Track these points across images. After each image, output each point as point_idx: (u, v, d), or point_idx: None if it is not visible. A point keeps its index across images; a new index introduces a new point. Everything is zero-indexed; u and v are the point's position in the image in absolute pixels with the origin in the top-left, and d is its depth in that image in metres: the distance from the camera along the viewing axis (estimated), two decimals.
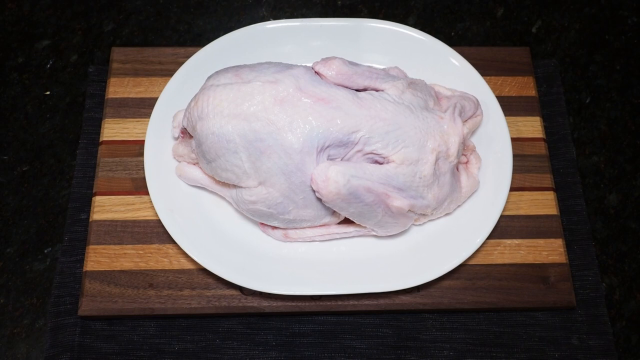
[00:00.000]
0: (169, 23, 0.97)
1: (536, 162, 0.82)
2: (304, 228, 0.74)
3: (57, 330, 0.74)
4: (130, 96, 0.85)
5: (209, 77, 0.73)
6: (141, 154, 0.80)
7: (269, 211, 0.71)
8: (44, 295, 0.78)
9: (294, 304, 0.74)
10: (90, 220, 0.77)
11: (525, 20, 0.98)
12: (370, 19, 0.84)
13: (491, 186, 0.77)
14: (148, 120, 0.81)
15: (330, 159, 0.69)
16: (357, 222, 0.72)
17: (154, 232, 0.77)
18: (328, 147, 0.68)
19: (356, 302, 0.74)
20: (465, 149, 0.76)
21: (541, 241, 0.78)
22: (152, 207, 0.77)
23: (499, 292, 0.75)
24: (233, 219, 0.76)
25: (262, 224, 0.75)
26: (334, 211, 0.72)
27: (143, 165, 0.78)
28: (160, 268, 0.75)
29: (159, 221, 0.76)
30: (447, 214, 0.76)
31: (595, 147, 0.89)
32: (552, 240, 0.78)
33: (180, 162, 0.77)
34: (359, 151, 0.69)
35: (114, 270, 0.75)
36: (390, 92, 0.72)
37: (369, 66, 0.75)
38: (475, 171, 0.77)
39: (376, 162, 0.70)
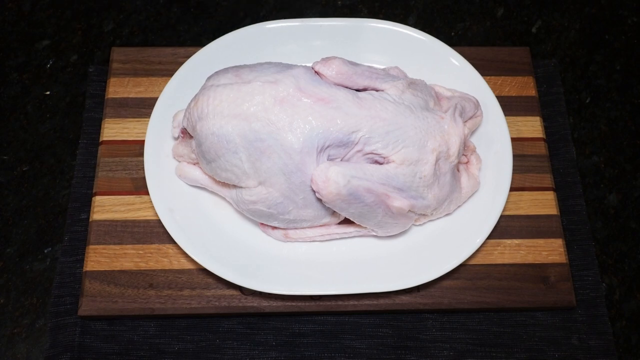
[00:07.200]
0: (169, 23, 0.97)
1: (536, 162, 0.82)
2: (304, 228, 0.74)
3: (57, 330, 0.74)
4: (130, 96, 0.85)
5: (209, 77, 0.73)
6: (141, 154, 0.80)
7: (269, 211, 0.71)
8: (44, 295, 0.78)
9: (294, 304, 0.74)
10: (90, 220, 0.77)
11: (525, 20, 0.98)
12: (370, 19, 0.84)
13: (491, 186, 0.77)
14: (148, 120, 0.81)
15: (330, 159, 0.69)
16: (357, 223, 0.72)
17: (154, 232, 0.77)
18: (328, 147, 0.68)
19: (356, 302, 0.74)
20: (465, 149, 0.76)
21: (541, 241, 0.78)
22: (152, 207, 0.77)
23: (499, 292, 0.75)
24: (233, 219, 0.76)
25: (262, 224, 0.75)
26: (334, 211, 0.72)
27: (143, 165, 0.78)
28: (160, 268, 0.75)
29: (159, 221, 0.76)
30: (447, 214, 0.76)
31: (595, 147, 0.89)
32: (552, 240, 0.78)
33: (180, 162, 0.77)
34: (359, 151, 0.69)
35: (114, 270, 0.75)
36: (390, 92, 0.72)
37: (369, 66, 0.75)
38: (475, 172, 0.77)
39: (376, 162, 0.70)
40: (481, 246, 0.77)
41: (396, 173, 0.69)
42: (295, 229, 0.74)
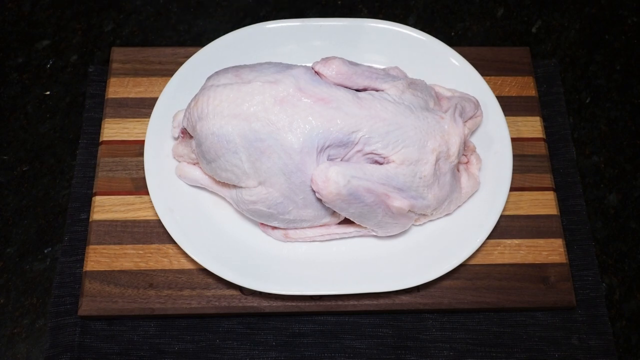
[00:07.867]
0: (169, 23, 0.97)
1: (536, 162, 0.82)
2: (304, 228, 0.74)
3: (57, 330, 0.74)
4: (130, 96, 0.85)
5: (209, 77, 0.73)
6: (141, 154, 0.80)
7: (269, 211, 0.71)
8: (44, 295, 0.78)
9: (294, 304, 0.74)
10: (90, 220, 0.78)
11: (525, 20, 0.98)
12: (370, 19, 0.84)
13: (491, 186, 0.77)
14: (148, 120, 0.81)
15: (330, 159, 0.69)
16: (357, 223, 0.72)
17: (154, 232, 0.77)
18: (328, 147, 0.68)
19: (356, 302, 0.74)
20: (465, 149, 0.76)
21: (541, 241, 0.78)
22: (152, 207, 0.77)
23: (499, 292, 0.75)
24: (233, 219, 0.76)
25: (262, 224, 0.75)
26: (334, 211, 0.72)
27: (143, 165, 0.78)
28: (160, 268, 0.75)
29: (159, 221, 0.76)
30: (447, 214, 0.76)
31: (595, 147, 0.89)
32: (552, 240, 0.78)
33: (180, 162, 0.77)
34: (359, 151, 0.69)
35: (114, 270, 0.75)
36: (390, 92, 0.72)
37: (368, 66, 0.75)
38: (475, 172, 0.77)
39: (376, 162, 0.70)
40: (481, 246, 0.77)
41: (396, 173, 0.69)
42: (295, 229, 0.74)
